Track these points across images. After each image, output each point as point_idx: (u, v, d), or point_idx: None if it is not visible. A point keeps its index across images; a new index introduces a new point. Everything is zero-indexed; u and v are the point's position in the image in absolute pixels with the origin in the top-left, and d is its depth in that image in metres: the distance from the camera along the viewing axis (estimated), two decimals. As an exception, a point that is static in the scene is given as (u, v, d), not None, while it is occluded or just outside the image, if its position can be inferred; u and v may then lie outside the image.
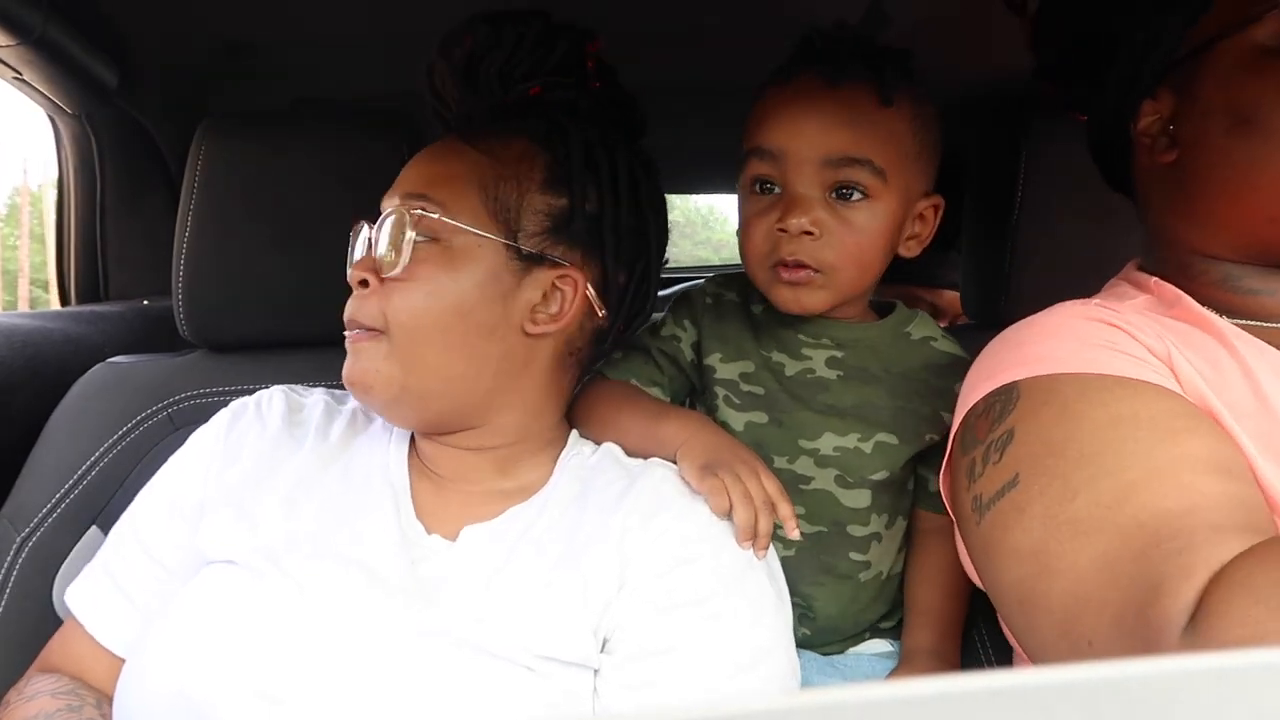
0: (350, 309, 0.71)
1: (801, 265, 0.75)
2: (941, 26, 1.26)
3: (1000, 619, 0.68)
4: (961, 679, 0.16)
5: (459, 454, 0.75)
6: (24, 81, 1.24)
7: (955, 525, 0.82)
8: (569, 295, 0.73)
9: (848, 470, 0.80)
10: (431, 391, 0.70)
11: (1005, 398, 0.66)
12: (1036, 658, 0.58)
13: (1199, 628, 0.47)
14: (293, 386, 0.85)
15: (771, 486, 0.71)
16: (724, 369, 0.83)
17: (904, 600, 0.86)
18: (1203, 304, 0.68)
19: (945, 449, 0.78)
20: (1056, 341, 0.66)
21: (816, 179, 0.74)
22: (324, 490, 0.73)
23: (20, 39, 1.11)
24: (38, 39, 1.11)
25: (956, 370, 0.80)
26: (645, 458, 0.76)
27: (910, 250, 0.81)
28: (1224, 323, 0.66)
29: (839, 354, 0.82)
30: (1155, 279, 0.72)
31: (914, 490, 0.86)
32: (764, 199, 0.77)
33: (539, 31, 0.76)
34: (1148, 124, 0.71)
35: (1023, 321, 0.71)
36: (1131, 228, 0.91)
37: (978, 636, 0.87)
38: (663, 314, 0.90)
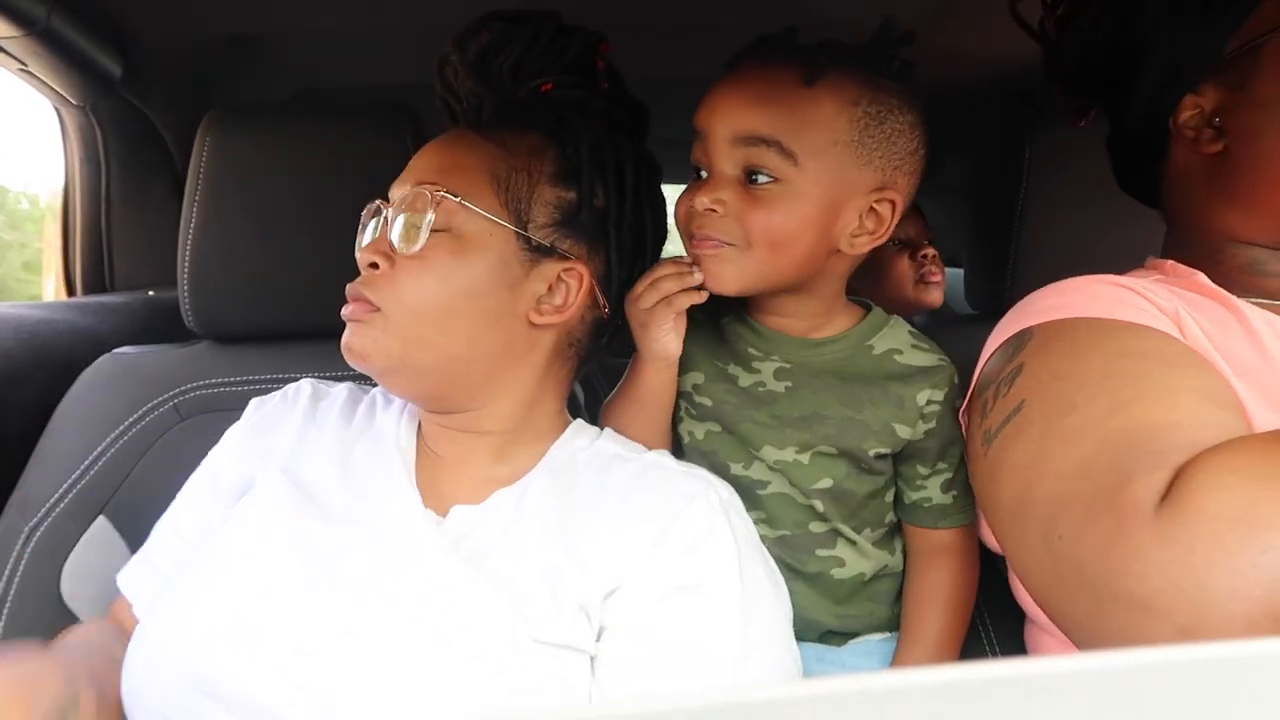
0: (356, 285, 0.72)
1: (710, 239, 0.75)
2: (947, 19, 1.26)
3: (995, 538, 0.69)
4: (962, 669, 0.17)
5: (457, 435, 0.76)
6: (29, 73, 1.24)
7: (958, 535, 0.83)
8: (573, 288, 0.75)
9: (792, 479, 0.81)
10: (429, 368, 0.72)
11: (1019, 341, 0.69)
12: (1019, 566, 0.60)
13: (1173, 501, 0.48)
14: (321, 379, 0.88)
15: None
16: (680, 381, 0.83)
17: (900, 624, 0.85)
18: (1220, 285, 0.70)
19: (918, 461, 0.81)
20: (1070, 296, 0.70)
21: (730, 158, 0.73)
22: (342, 468, 0.75)
23: (25, 30, 1.11)
24: (42, 30, 1.12)
25: (927, 377, 0.80)
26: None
27: (858, 247, 0.76)
28: (1235, 298, 0.69)
29: (788, 365, 0.81)
30: (1171, 261, 0.75)
31: (895, 504, 0.85)
32: (696, 183, 0.77)
33: (553, 30, 0.78)
34: (1189, 118, 0.73)
35: (1039, 289, 0.74)
36: (1137, 217, 0.91)
37: (983, 628, 0.87)
38: None
